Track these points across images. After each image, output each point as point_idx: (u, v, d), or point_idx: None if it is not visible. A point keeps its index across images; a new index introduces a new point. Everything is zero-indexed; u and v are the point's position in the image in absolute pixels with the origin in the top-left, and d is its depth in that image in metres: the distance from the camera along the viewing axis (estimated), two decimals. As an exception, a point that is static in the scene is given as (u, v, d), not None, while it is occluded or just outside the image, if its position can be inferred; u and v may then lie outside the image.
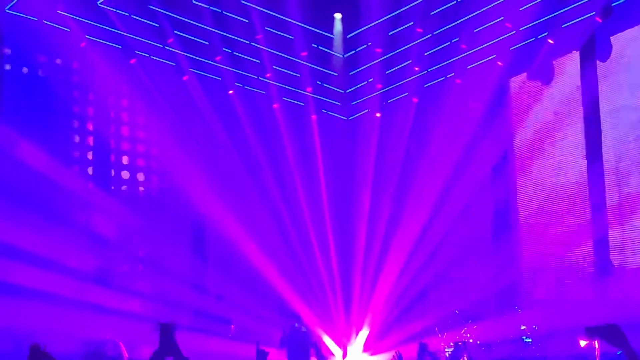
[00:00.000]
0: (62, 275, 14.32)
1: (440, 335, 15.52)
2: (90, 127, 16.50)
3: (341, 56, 19.53)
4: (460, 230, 16.96)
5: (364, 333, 17.71)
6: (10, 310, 13.35)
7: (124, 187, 16.87)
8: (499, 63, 16.91)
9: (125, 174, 16.87)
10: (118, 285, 15.73)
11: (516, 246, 16.55)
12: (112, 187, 16.81)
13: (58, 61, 15.34)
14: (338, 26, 18.91)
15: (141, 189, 16.79)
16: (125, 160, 16.82)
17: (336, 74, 19.84)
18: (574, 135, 15.91)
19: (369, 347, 17.33)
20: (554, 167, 16.30)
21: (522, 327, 14.84)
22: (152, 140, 15.93)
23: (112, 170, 16.89)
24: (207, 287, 17.46)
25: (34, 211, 13.94)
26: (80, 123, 16.30)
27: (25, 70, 15.44)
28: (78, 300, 14.59)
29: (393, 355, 8.40)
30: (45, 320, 13.55)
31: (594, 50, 15.68)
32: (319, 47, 19.29)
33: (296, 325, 14.96)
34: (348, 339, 17.81)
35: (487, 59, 17.20)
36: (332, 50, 19.24)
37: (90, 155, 16.64)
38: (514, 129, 17.16)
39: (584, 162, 15.62)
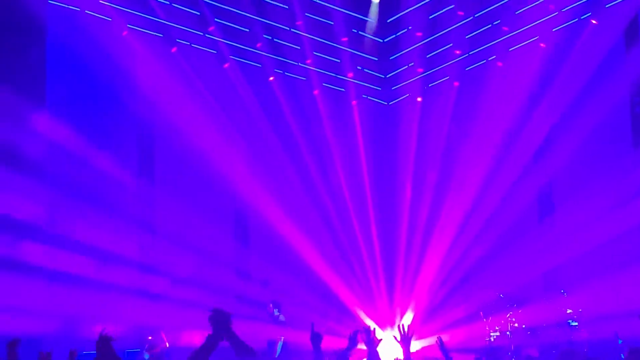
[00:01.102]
0: (110, 262, 14.50)
1: (485, 320, 15.45)
2: (133, 115, 16.62)
3: (381, 41, 19.48)
4: (504, 214, 16.82)
5: (408, 317, 17.68)
6: (62, 297, 13.56)
7: (167, 175, 16.99)
8: (542, 45, 16.73)
9: (168, 162, 16.98)
10: (163, 272, 15.90)
11: (562, 229, 16.37)
12: (156, 175, 16.93)
13: (100, 51, 15.42)
14: (373, 9, 18.88)
15: (184, 176, 16.88)
16: (168, 148, 16.92)
17: (376, 59, 19.80)
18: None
19: (413, 331, 17.27)
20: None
21: (569, 311, 14.71)
22: (194, 127, 15.98)
23: (155, 158, 17.02)
24: (250, 273, 17.55)
25: (81, 199, 14.13)
26: (123, 112, 16.42)
27: (68, 60, 15.59)
28: (125, 286, 14.79)
29: (435, 341, 8.37)
30: (95, 306, 13.77)
31: (637, 31, 15.45)
32: (359, 32, 19.25)
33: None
34: (392, 324, 17.80)
35: (529, 41, 17.03)
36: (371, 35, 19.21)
37: (133, 144, 16.80)
38: (556, 111, 16.93)
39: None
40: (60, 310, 13.49)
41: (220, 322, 5.49)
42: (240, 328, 5.68)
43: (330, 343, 7.18)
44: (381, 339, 8.06)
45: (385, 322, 17.94)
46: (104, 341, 6.08)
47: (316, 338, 6.79)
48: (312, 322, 7.18)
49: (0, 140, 13.26)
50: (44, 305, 13.30)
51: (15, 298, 12.83)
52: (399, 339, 7.92)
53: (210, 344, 5.42)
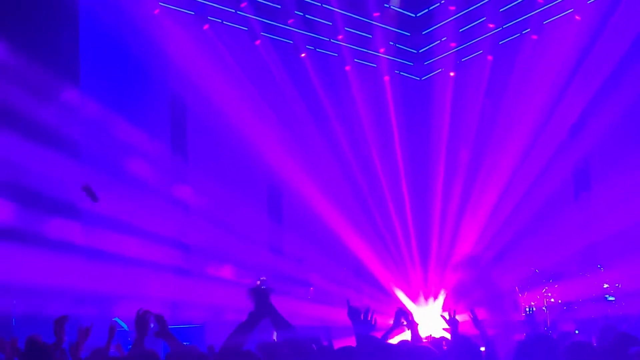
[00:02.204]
0: (143, 239, 14.58)
1: (520, 295, 15.34)
2: (166, 93, 16.67)
3: (413, 15, 19.31)
4: (540, 189, 16.65)
5: (442, 294, 17.61)
6: (97, 275, 13.68)
7: (200, 151, 17.04)
8: (577, 17, 16.46)
9: (201, 139, 17.03)
10: (196, 249, 15.98)
11: (598, 204, 16.18)
12: (189, 151, 16.99)
13: (132, 29, 15.44)
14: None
15: (216, 153, 16.91)
16: (200, 125, 16.95)
17: (409, 34, 19.63)
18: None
19: (447, 308, 17.22)
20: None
21: (605, 286, 14.57)
22: (227, 105, 15.97)
23: (188, 135, 17.07)
24: (284, 250, 17.57)
25: (114, 176, 14.20)
26: (156, 89, 16.47)
27: (101, 38, 15.63)
28: (159, 263, 14.87)
29: (469, 315, 8.31)
30: (129, 284, 13.88)
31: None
32: (391, 7, 19.08)
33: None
34: (426, 300, 17.75)
35: (564, 14, 16.77)
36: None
37: (166, 121, 16.86)
38: (593, 85, 16.67)
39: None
40: (95, 288, 13.59)
41: (261, 298, 5.49)
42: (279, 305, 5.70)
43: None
44: (418, 323, 8.07)
45: (419, 299, 17.89)
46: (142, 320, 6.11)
47: (354, 313, 6.74)
48: (347, 299, 7.12)
49: (34, 118, 13.34)
50: (81, 284, 13.41)
51: (51, 277, 12.95)
52: (447, 318, 7.90)
53: (252, 320, 5.41)
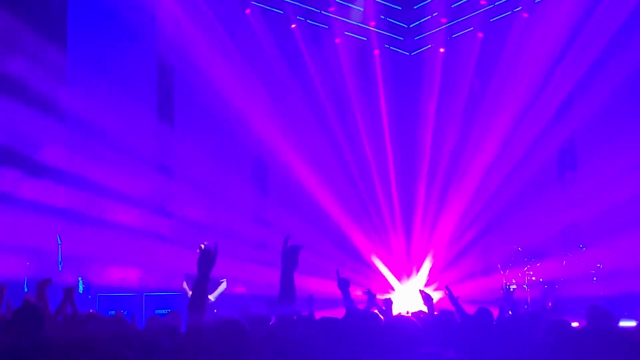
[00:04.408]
0: (126, 204, 14.55)
1: (502, 273, 15.43)
2: (154, 59, 16.57)
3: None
4: (525, 167, 16.69)
5: (426, 268, 17.71)
6: (77, 237, 13.64)
7: (186, 119, 16.96)
8: (569, -3, 16.40)
9: (187, 106, 16.93)
10: (179, 216, 15.96)
11: (583, 184, 16.25)
12: (175, 119, 16.91)
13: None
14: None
15: (203, 121, 16.83)
16: (188, 92, 16.85)
17: (400, 8, 19.53)
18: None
19: (430, 283, 17.33)
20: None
21: (587, 266, 14.67)
22: (215, 73, 15.87)
23: (175, 102, 16.98)
24: (268, 220, 17.56)
25: (99, 141, 14.15)
26: (143, 55, 16.36)
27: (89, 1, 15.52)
28: (140, 229, 14.83)
29: (444, 291, 8.41)
30: (110, 248, 13.86)
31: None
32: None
33: None
34: (408, 274, 17.85)
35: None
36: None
37: (153, 87, 16.75)
38: (581, 65, 16.66)
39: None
40: (74, 251, 13.55)
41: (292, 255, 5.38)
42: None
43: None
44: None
45: (402, 272, 17.98)
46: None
47: (344, 284, 6.74)
48: (337, 269, 7.12)
49: (20, 80, 13.24)
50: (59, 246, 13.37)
51: (29, 238, 12.90)
52: (423, 293, 7.97)
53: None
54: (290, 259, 5.55)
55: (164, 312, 12.61)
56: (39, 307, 6.05)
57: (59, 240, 13.04)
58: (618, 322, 6.23)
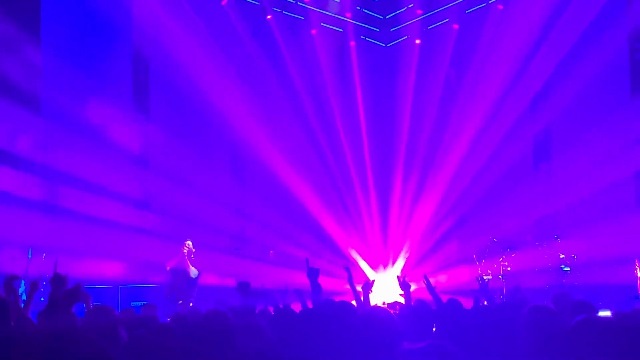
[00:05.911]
0: (102, 196, 14.49)
1: (477, 263, 15.51)
2: (129, 50, 16.48)
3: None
4: (501, 158, 16.79)
5: (402, 259, 17.77)
6: (53, 230, 13.57)
7: (162, 111, 16.88)
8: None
9: (163, 98, 16.85)
10: (156, 208, 15.92)
11: (556, 175, 16.38)
12: (151, 110, 16.82)
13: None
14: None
15: (179, 112, 16.77)
16: (163, 83, 16.76)
17: (376, 0, 19.55)
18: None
19: (406, 273, 17.36)
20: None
21: (561, 256, 14.78)
22: (191, 64, 15.80)
23: (151, 93, 16.88)
24: (245, 211, 17.55)
25: (75, 132, 14.07)
26: (119, 46, 16.28)
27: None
28: (117, 222, 14.77)
29: (422, 281, 8.40)
30: (86, 241, 13.78)
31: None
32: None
33: None
34: (384, 265, 17.91)
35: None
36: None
37: (129, 78, 16.66)
38: (556, 57, 16.77)
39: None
40: (50, 243, 13.46)
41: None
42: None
43: (324, 283, 7.12)
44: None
45: (378, 263, 18.04)
46: None
47: (313, 273, 6.77)
48: (306, 258, 7.15)
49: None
50: (35, 239, 13.28)
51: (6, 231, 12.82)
52: (400, 281, 7.98)
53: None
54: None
55: (139, 305, 12.56)
56: (4, 300, 6.03)
57: (29, 255, 12.91)
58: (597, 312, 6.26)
